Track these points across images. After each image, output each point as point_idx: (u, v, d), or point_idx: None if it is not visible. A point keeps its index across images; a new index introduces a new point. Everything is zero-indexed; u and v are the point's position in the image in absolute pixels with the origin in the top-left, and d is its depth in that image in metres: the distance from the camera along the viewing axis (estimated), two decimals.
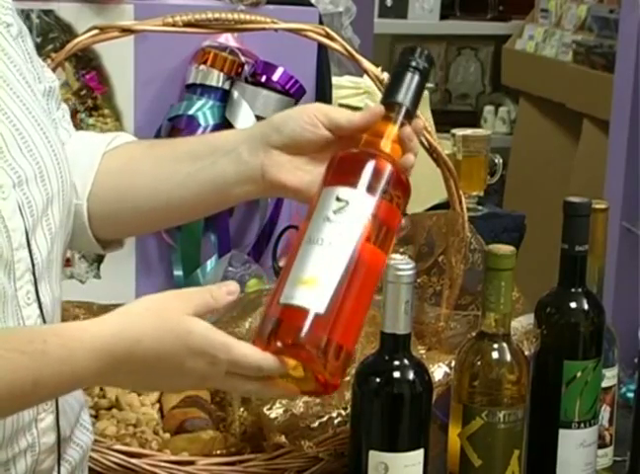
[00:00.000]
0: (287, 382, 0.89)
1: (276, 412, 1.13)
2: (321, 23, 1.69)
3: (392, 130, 0.97)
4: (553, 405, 1.11)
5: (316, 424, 1.12)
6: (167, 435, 1.14)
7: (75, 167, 1.02)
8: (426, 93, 2.02)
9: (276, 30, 1.22)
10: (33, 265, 0.92)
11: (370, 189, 0.91)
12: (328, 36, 1.22)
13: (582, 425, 1.13)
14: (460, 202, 1.29)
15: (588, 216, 1.14)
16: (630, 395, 1.33)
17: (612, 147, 2.45)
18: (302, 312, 0.86)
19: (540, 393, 1.14)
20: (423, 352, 1.24)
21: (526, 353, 1.13)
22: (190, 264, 1.58)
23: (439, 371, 1.18)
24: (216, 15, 1.18)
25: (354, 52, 1.24)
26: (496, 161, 2.03)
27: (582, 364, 1.12)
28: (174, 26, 1.17)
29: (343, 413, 1.13)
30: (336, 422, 1.12)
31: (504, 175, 2.75)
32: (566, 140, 3.18)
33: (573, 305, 1.15)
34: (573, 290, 1.15)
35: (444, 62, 4.02)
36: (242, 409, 1.17)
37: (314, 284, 0.87)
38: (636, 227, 2.59)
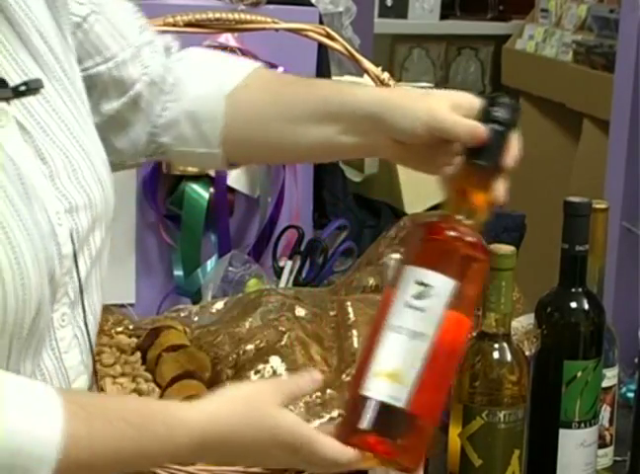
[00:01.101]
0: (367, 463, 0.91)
1: None
2: (321, 23, 1.69)
3: (482, 196, 0.94)
4: (553, 405, 1.11)
5: (317, 424, 1.12)
6: None
7: (199, 105, 1.06)
8: None
9: (276, 30, 1.22)
10: (73, 288, 0.94)
11: (454, 272, 0.90)
12: (329, 36, 1.22)
13: (582, 425, 1.13)
14: None
15: (588, 216, 1.14)
16: (630, 395, 1.33)
17: (612, 147, 2.45)
18: (384, 407, 0.88)
19: (540, 393, 1.14)
20: None
21: (527, 353, 1.13)
22: (190, 263, 1.58)
23: None
24: (217, 15, 1.18)
25: (354, 52, 1.24)
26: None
27: (582, 364, 1.12)
28: (174, 25, 1.17)
29: (344, 413, 1.12)
30: (337, 422, 1.12)
31: None
32: (566, 140, 3.18)
33: (573, 305, 1.14)
34: (573, 290, 1.15)
35: (444, 62, 4.02)
36: None
37: (395, 379, 0.88)
38: (636, 227, 2.59)
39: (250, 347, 1.23)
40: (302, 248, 1.58)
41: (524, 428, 1.08)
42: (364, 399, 0.88)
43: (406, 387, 0.87)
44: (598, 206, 1.16)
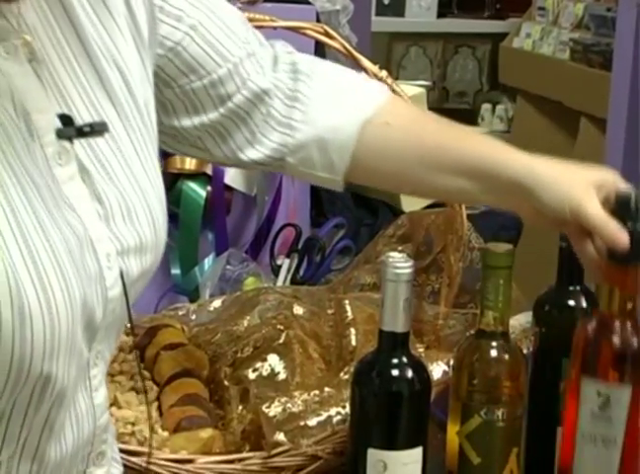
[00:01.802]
0: None
1: (274, 410, 1.13)
2: (318, 21, 1.69)
3: (630, 291, 1.00)
4: (552, 403, 1.10)
5: (315, 422, 1.12)
6: (166, 434, 1.14)
7: (331, 134, 1.06)
8: (423, 91, 2.03)
9: (274, 28, 1.22)
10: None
11: (629, 378, 0.99)
12: (327, 34, 1.22)
13: None
14: None
15: None
16: None
17: (610, 145, 2.45)
18: None
19: (539, 391, 1.14)
20: (421, 350, 1.24)
21: (525, 351, 1.13)
22: (187, 262, 1.58)
23: (437, 370, 1.18)
24: None
25: (352, 50, 1.24)
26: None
27: None
28: None
29: (342, 411, 1.13)
30: (335, 420, 1.12)
31: None
32: (563, 138, 3.18)
33: (571, 303, 1.14)
34: (571, 288, 1.15)
35: (442, 60, 4.02)
36: (241, 407, 1.17)
37: None
38: None
39: (248, 345, 1.23)
40: (300, 246, 1.58)
41: (523, 426, 1.08)
42: None
43: None
44: None
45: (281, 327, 1.25)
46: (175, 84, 1.03)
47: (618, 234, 0.96)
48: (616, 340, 1.00)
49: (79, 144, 0.88)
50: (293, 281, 1.55)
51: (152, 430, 1.10)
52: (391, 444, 1.02)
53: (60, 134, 0.86)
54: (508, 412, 1.05)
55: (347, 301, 1.29)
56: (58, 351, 0.82)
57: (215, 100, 1.05)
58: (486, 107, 3.83)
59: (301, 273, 1.56)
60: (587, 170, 1.03)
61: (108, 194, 0.90)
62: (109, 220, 0.89)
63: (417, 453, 1.03)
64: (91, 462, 0.93)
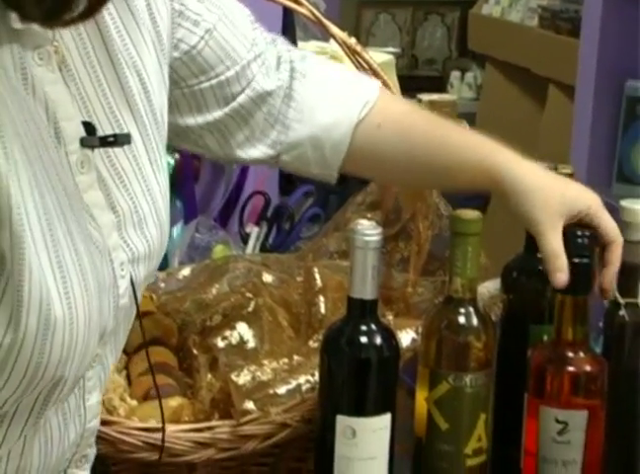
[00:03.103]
0: None
1: (244, 379, 1.13)
2: None
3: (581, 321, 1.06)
4: (519, 369, 1.11)
5: (284, 390, 1.12)
6: (134, 402, 1.14)
7: (325, 133, 1.08)
8: (392, 58, 2.02)
9: None
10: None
11: (584, 403, 1.05)
12: (295, 0, 1.21)
13: None
14: None
15: None
16: None
17: (578, 112, 2.46)
18: None
19: (507, 357, 1.15)
20: (391, 318, 1.24)
21: (493, 317, 1.14)
22: None
23: (406, 337, 1.18)
24: None
25: (321, 17, 1.23)
26: (462, 126, 2.03)
27: (548, 328, 1.13)
28: None
29: (311, 379, 1.13)
30: (304, 388, 1.13)
31: None
32: (532, 105, 3.18)
33: (539, 269, 1.15)
34: (539, 255, 1.15)
35: (411, 27, 4.01)
36: (210, 376, 1.16)
37: None
38: (601, 192, 2.60)
39: (217, 313, 1.23)
40: (269, 214, 1.57)
41: (491, 392, 1.09)
42: None
43: None
44: (562, 171, 1.16)
45: (250, 295, 1.25)
46: (184, 84, 1.03)
47: (558, 272, 1.03)
48: (570, 367, 1.05)
49: (98, 154, 0.89)
50: (262, 249, 1.54)
51: (122, 399, 1.10)
52: (360, 411, 1.03)
53: (84, 143, 0.87)
54: (476, 378, 1.06)
55: (316, 269, 1.29)
56: (73, 358, 0.83)
57: (220, 100, 1.05)
58: (455, 74, 3.83)
59: (270, 241, 1.55)
60: (568, 190, 1.06)
61: (121, 203, 0.90)
62: (121, 229, 0.90)
63: (385, 419, 1.03)
64: (73, 464, 0.94)
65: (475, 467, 1.07)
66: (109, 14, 0.90)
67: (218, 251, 1.49)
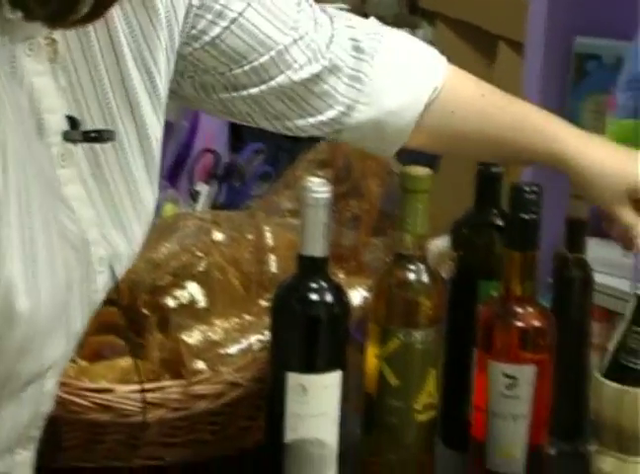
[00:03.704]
0: None
1: (194, 338, 1.13)
2: None
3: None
4: (469, 325, 1.12)
5: (235, 350, 1.12)
6: (84, 363, 1.14)
7: (390, 118, 1.08)
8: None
9: None
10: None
11: (531, 358, 1.06)
12: None
13: None
14: None
15: None
16: None
17: (527, 69, 2.46)
18: None
19: (457, 313, 1.16)
20: (342, 276, 1.24)
21: (443, 274, 1.14)
22: None
23: (357, 295, 1.18)
24: None
25: None
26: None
27: (497, 284, 1.13)
28: None
29: (262, 338, 1.13)
30: (255, 347, 1.13)
31: None
32: (482, 62, 3.18)
33: (488, 226, 1.16)
34: (488, 211, 1.16)
35: None
36: (160, 335, 1.16)
37: (511, 456, 1.07)
38: None
39: (167, 272, 1.22)
40: (219, 172, 1.57)
41: (441, 348, 1.10)
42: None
43: (520, 460, 1.07)
44: None
45: (201, 254, 1.24)
46: (214, 71, 1.01)
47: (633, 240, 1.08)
48: (518, 322, 1.06)
49: (82, 148, 0.88)
50: (213, 208, 1.54)
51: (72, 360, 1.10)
52: (310, 368, 1.03)
53: (66, 137, 0.86)
54: (426, 334, 1.06)
55: (267, 227, 1.28)
56: (31, 351, 0.83)
57: (258, 82, 1.03)
58: (405, 31, 3.81)
59: (221, 199, 1.55)
60: (631, 168, 1.09)
61: (102, 200, 0.90)
62: (101, 225, 0.90)
63: (336, 376, 1.03)
64: (20, 444, 0.93)
65: (425, 422, 1.08)
66: (121, 9, 0.89)
67: (168, 209, 1.48)
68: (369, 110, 1.07)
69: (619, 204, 1.08)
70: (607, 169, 1.08)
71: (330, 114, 1.07)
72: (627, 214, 1.08)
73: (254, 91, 1.03)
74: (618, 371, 1.10)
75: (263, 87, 1.03)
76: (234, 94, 1.03)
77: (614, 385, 1.10)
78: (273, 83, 1.03)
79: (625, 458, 1.11)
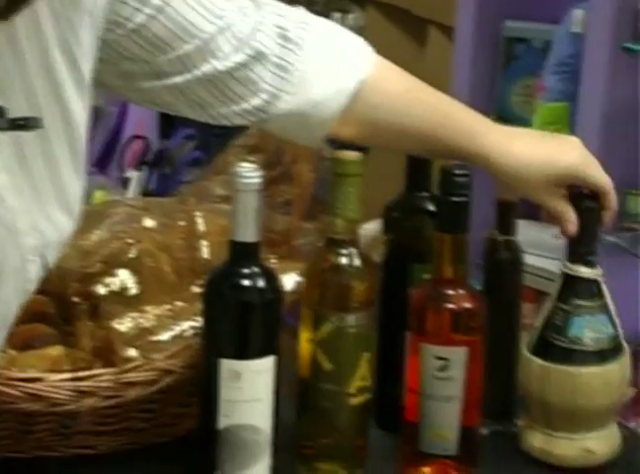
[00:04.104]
0: None
1: (126, 325, 1.12)
2: None
3: None
4: (401, 308, 1.12)
5: (167, 336, 1.12)
6: (13, 353, 1.12)
7: (314, 110, 1.07)
8: None
9: None
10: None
11: (463, 340, 1.07)
12: None
13: None
14: None
15: None
16: None
17: (457, 53, 2.48)
18: (440, 458, 1.09)
19: (389, 296, 1.16)
20: (274, 261, 1.24)
21: (375, 257, 1.15)
22: None
23: (289, 280, 1.18)
24: None
25: None
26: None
27: (428, 267, 1.14)
28: None
29: (194, 325, 1.13)
30: (187, 334, 1.12)
31: None
32: (413, 47, 3.19)
33: (419, 209, 1.16)
34: (419, 195, 1.16)
35: None
36: (91, 323, 1.15)
37: (444, 437, 1.08)
38: None
39: (97, 260, 1.21)
40: (149, 158, 1.55)
41: (373, 331, 1.10)
42: (424, 455, 1.09)
43: (453, 440, 1.08)
44: None
45: (132, 240, 1.23)
46: (138, 59, 1.00)
47: (569, 223, 1.10)
48: (449, 304, 1.07)
49: (8, 137, 0.87)
50: (144, 195, 1.53)
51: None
52: (244, 354, 1.03)
53: None
54: (358, 318, 1.07)
55: (198, 213, 1.27)
56: None
57: (183, 70, 1.02)
58: (336, 16, 3.81)
59: (151, 185, 1.54)
60: (555, 155, 1.10)
61: (27, 188, 0.89)
62: (30, 214, 0.89)
63: (269, 362, 1.03)
64: None
65: (359, 406, 1.08)
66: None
67: (98, 196, 1.48)
68: (294, 99, 1.07)
69: (548, 194, 1.09)
70: (533, 162, 1.09)
71: (254, 102, 1.06)
72: (557, 203, 1.10)
73: (178, 79, 1.03)
74: (544, 348, 1.12)
75: (187, 76, 1.03)
76: (158, 83, 1.02)
77: (540, 361, 1.12)
78: (197, 72, 1.03)
79: (553, 433, 1.13)
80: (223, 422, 1.03)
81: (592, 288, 1.12)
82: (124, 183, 1.54)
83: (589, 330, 1.11)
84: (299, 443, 1.10)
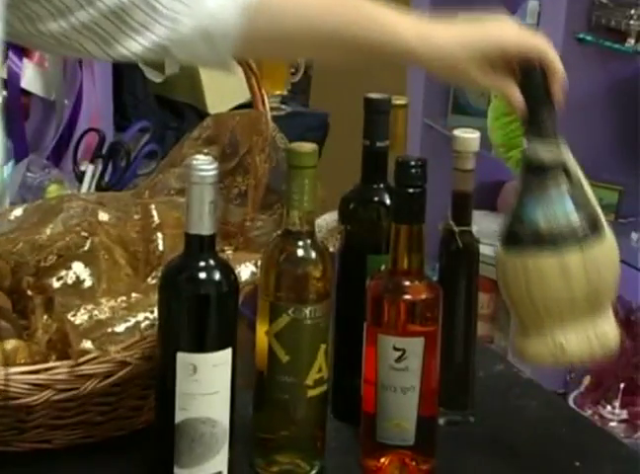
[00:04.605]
0: None
1: (80, 318, 1.12)
2: None
3: None
4: (358, 299, 1.13)
5: (123, 328, 1.11)
6: None
7: (214, 22, 1.04)
8: None
9: None
10: None
11: (420, 331, 1.07)
12: None
13: None
14: (263, 102, 1.28)
15: (387, 113, 1.15)
16: None
17: None
18: (399, 449, 1.09)
19: (346, 288, 1.16)
20: (230, 252, 1.24)
21: (331, 249, 1.15)
22: None
23: (245, 271, 1.18)
24: None
25: None
26: (298, 59, 2.03)
27: (385, 258, 1.14)
28: None
29: (150, 316, 1.12)
30: (143, 325, 1.11)
31: (310, 74, 2.76)
32: None
33: (375, 200, 1.16)
34: (375, 186, 1.17)
35: None
36: (45, 316, 1.14)
37: (402, 428, 1.08)
38: (437, 124, 2.65)
39: (52, 253, 1.20)
40: (104, 151, 1.54)
41: (330, 323, 1.10)
42: (382, 445, 1.09)
43: (410, 430, 1.08)
44: (397, 102, 1.18)
45: (86, 234, 1.22)
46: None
47: (514, 91, 1.07)
48: (406, 295, 1.07)
49: None
50: (99, 188, 1.52)
51: None
52: (200, 347, 1.02)
53: None
54: (315, 310, 1.07)
55: (153, 206, 1.27)
56: None
57: (84, 3, 1.00)
58: None
59: (107, 178, 1.53)
60: (480, 32, 1.08)
61: None
62: None
63: (226, 354, 1.03)
64: None
65: (316, 397, 1.08)
66: None
67: (52, 190, 1.46)
68: (192, 20, 1.05)
69: (483, 74, 1.06)
70: (458, 43, 1.06)
71: (158, 31, 1.04)
72: (495, 80, 1.07)
73: (82, 15, 1.02)
74: (506, 239, 1.08)
75: (91, 10, 1.01)
76: (62, 22, 1.01)
77: (502, 254, 1.07)
78: (100, 4, 1.02)
79: (526, 332, 1.08)
80: (180, 415, 1.02)
81: (555, 172, 1.06)
82: (79, 176, 1.52)
83: (542, 214, 1.05)
84: (257, 436, 1.10)
